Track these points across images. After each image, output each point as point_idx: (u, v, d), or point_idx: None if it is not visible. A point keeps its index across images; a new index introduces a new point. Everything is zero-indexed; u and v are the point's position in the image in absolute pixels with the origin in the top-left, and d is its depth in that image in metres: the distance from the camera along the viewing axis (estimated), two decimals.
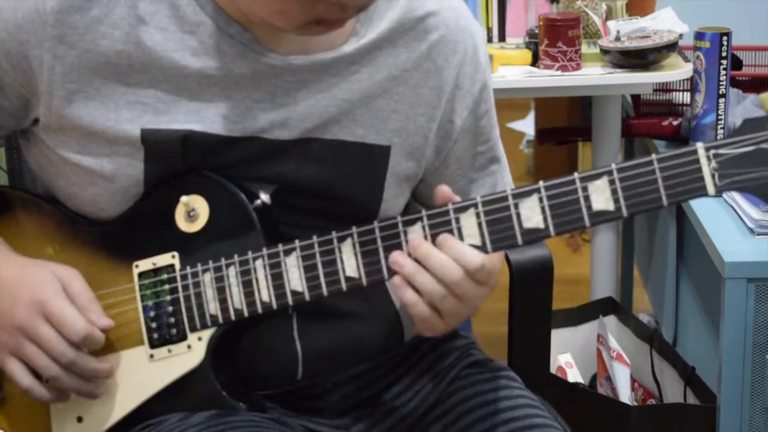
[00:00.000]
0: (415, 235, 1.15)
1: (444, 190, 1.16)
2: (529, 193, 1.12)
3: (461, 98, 1.31)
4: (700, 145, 1.08)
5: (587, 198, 1.11)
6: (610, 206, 1.10)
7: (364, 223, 1.17)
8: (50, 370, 1.20)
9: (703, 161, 1.07)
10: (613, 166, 1.10)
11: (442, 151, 1.33)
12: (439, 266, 1.13)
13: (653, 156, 1.09)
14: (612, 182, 1.10)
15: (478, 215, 1.14)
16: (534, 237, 1.13)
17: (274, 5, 1.12)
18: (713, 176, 1.07)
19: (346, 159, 1.26)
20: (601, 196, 1.10)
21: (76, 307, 1.20)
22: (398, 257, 1.14)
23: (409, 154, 1.29)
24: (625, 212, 1.10)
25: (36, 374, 1.22)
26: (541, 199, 1.12)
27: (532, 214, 1.12)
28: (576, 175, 1.11)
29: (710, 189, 1.07)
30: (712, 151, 1.07)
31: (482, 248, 1.14)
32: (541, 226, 1.12)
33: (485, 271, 1.13)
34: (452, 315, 1.15)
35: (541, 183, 1.12)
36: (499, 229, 1.13)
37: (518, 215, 1.13)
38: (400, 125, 1.28)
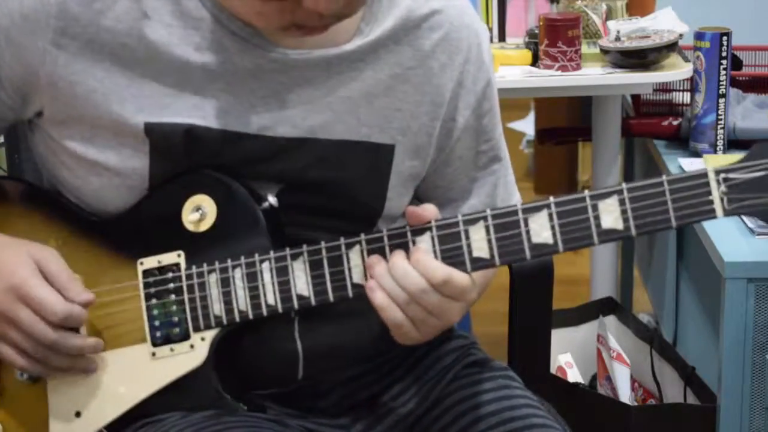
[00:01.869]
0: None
1: (412, 211, 1.16)
2: (539, 209, 1.13)
3: (464, 96, 1.31)
4: (710, 169, 1.09)
5: (597, 216, 1.11)
6: (619, 225, 1.11)
7: (369, 221, 1.17)
8: (36, 353, 1.20)
9: (713, 185, 1.08)
10: (624, 185, 1.11)
11: (445, 149, 1.32)
12: (401, 274, 1.13)
13: (664, 177, 1.10)
14: (622, 202, 1.10)
15: (487, 228, 1.14)
16: (542, 252, 1.13)
17: (252, 6, 1.13)
18: (722, 200, 1.08)
19: (351, 158, 1.26)
20: (610, 215, 1.11)
21: (55, 287, 1.20)
22: (373, 260, 1.15)
23: (413, 153, 1.29)
24: (633, 232, 1.11)
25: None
26: (551, 216, 1.12)
27: (541, 229, 1.13)
28: (586, 193, 1.12)
29: (719, 212, 1.09)
30: (722, 175, 1.08)
31: (490, 261, 1.14)
32: (550, 241, 1.13)
33: (454, 286, 1.13)
34: (423, 325, 1.15)
35: (551, 199, 1.13)
36: (508, 243, 1.14)
37: (527, 230, 1.13)
38: (404, 124, 1.28)
